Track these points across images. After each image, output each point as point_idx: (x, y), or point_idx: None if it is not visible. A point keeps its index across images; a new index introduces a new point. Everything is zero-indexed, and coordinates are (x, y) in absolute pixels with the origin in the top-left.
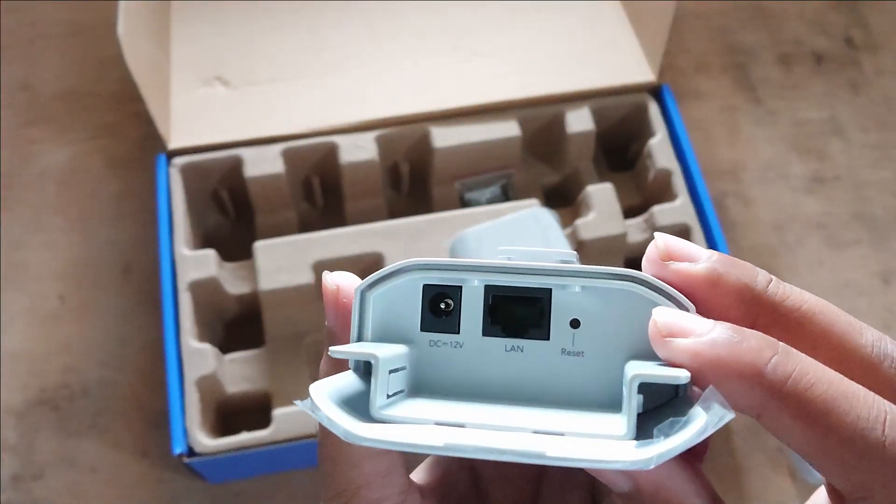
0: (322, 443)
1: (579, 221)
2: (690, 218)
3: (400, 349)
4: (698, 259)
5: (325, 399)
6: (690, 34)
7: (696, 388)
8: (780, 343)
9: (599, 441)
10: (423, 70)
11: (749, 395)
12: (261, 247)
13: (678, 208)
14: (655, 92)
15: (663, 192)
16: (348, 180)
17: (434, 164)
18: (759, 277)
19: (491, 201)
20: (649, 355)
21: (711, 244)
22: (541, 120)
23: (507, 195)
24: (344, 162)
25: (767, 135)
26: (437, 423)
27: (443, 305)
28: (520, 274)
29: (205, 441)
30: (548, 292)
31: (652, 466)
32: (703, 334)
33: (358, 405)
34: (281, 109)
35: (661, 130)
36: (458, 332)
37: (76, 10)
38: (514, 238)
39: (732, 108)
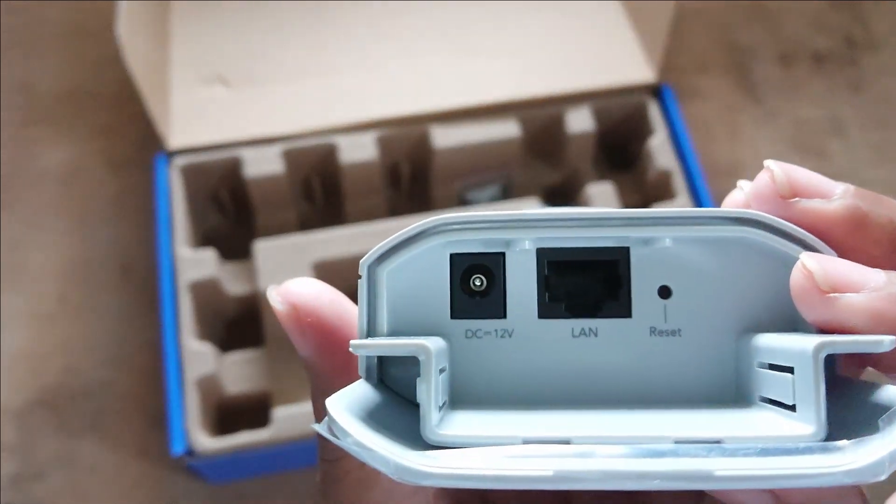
0: (326, 490)
1: None
2: None
3: (440, 342)
4: (831, 194)
5: (352, 420)
6: (690, 34)
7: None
8: None
9: (779, 447)
10: (423, 70)
11: None
12: (261, 247)
13: None
14: (655, 92)
15: (663, 192)
16: (348, 180)
17: (434, 164)
18: None
19: (491, 201)
20: (773, 325)
21: None
22: (541, 120)
23: (507, 195)
24: (344, 162)
25: (768, 134)
26: (527, 441)
27: (478, 282)
28: (583, 226)
29: (205, 441)
30: (624, 252)
31: (884, 476)
32: (880, 287)
33: (394, 428)
34: (281, 109)
35: (662, 130)
36: (505, 316)
37: (76, 10)
38: None
39: (732, 107)
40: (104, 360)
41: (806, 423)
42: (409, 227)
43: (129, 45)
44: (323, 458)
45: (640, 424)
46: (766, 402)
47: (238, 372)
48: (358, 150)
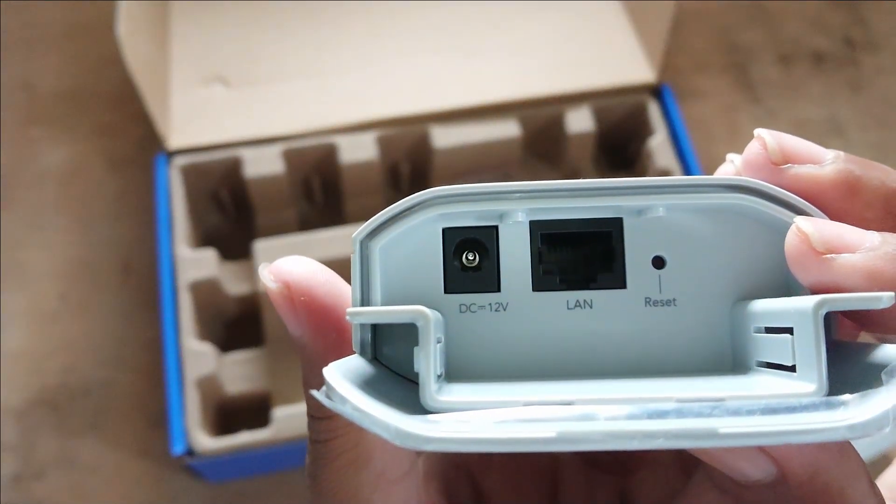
0: (316, 473)
1: None
2: None
3: (436, 313)
4: (823, 159)
5: (350, 387)
6: (690, 34)
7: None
8: None
9: (782, 404)
10: (423, 70)
11: None
12: (261, 247)
13: None
14: (655, 92)
15: None
16: (348, 180)
17: (434, 164)
18: None
19: None
20: (767, 292)
21: None
22: (541, 120)
23: None
24: (344, 162)
25: None
26: (528, 405)
27: (470, 257)
28: (576, 196)
29: (205, 441)
30: (617, 223)
31: (888, 429)
32: (876, 247)
33: (391, 399)
34: (281, 109)
35: (662, 130)
36: (499, 290)
37: (76, 10)
38: None
39: (732, 107)
40: (104, 359)
41: (807, 382)
42: (402, 201)
43: (129, 45)
44: (313, 439)
45: (641, 389)
46: (763, 366)
47: (238, 372)
48: (358, 150)
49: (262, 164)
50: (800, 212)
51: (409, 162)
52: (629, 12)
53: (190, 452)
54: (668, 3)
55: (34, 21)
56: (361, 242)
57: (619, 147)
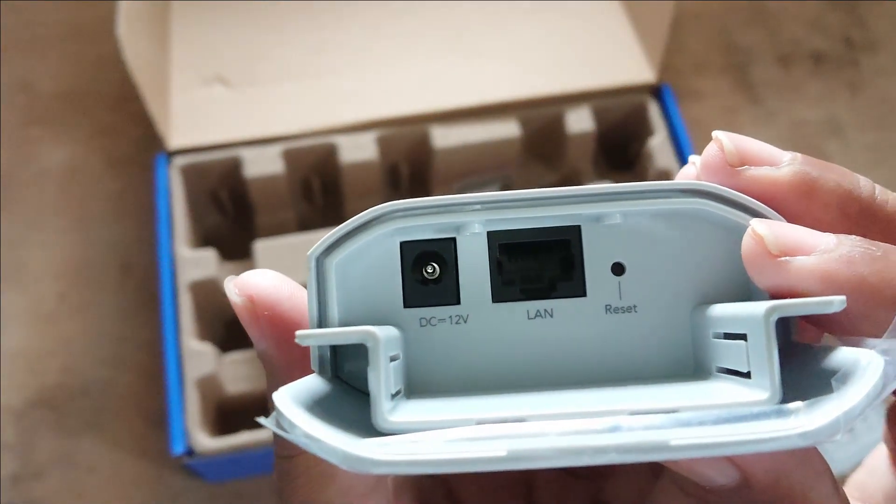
0: (283, 488)
1: None
2: None
3: (391, 330)
4: (779, 161)
5: (300, 412)
6: (690, 34)
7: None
8: None
9: (733, 413)
10: (423, 70)
11: None
12: (261, 247)
13: None
14: (655, 92)
15: None
16: (348, 180)
17: (434, 164)
18: (862, 183)
19: None
20: (727, 296)
21: None
22: (541, 120)
23: None
24: (344, 162)
25: (766, 135)
26: (481, 423)
27: (430, 269)
28: (532, 206)
29: (204, 441)
30: (575, 231)
31: (839, 437)
32: (831, 249)
33: (348, 420)
34: (281, 109)
35: (661, 130)
36: (459, 302)
37: (76, 10)
38: None
39: (732, 108)
40: (104, 359)
41: (761, 389)
42: (357, 216)
43: (129, 45)
44: (278, 454)
45: (597, 401)
46: (723, 372)
47: (238, 372)
48: (358, 150)
49: (262, 164)
50: (756, 214)
51: (408, 162)
52: (629, 12)
53: (189, 452)
54: (667, 3)
55: (34, 21)
56: (317, 259)
57: (619, 147)
